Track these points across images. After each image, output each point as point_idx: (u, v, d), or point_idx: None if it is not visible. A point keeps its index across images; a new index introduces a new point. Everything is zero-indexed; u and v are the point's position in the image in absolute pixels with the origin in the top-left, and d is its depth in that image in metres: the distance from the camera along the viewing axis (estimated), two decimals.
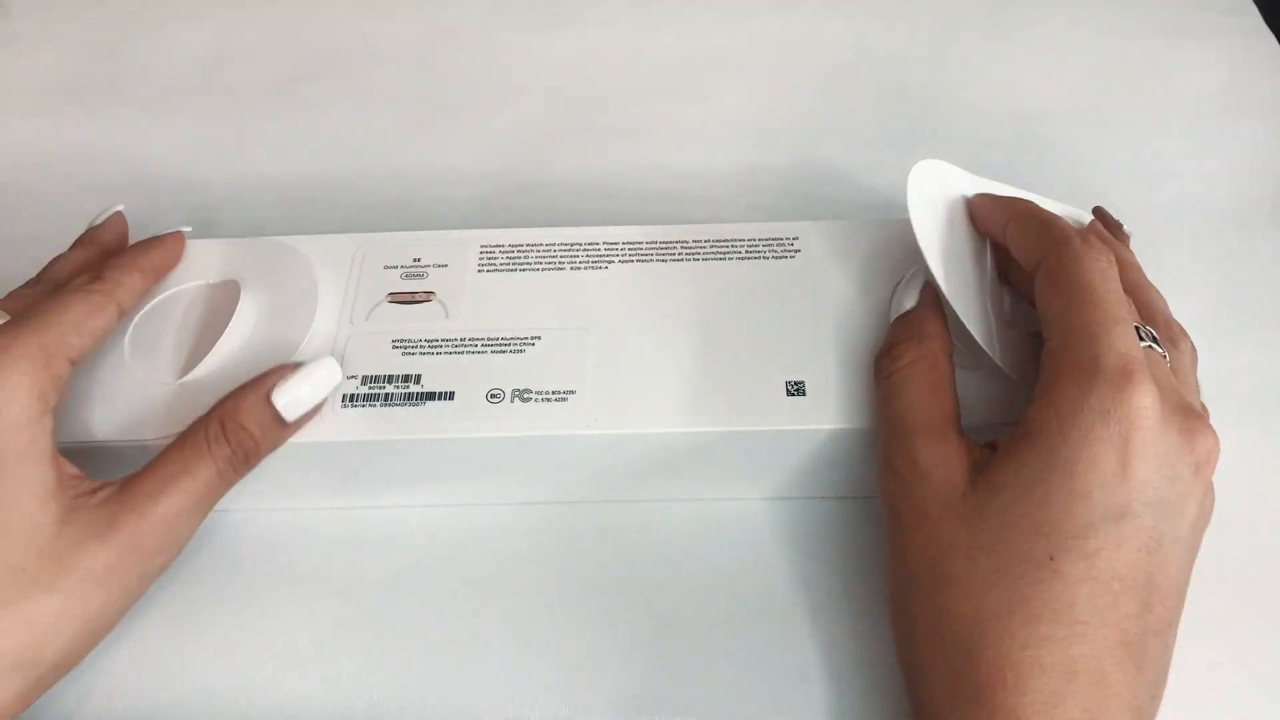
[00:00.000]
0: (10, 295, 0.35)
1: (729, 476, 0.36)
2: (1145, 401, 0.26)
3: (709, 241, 0.38)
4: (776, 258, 0.38)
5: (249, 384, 0.32)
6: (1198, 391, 0.31)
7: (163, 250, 0.37)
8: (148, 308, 0.37)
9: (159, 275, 0.37)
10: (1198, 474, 0.28)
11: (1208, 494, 0.29)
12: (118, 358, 0.35)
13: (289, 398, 0.32)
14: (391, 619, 0.34)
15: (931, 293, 0.33)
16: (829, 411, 0.33)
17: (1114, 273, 0.29)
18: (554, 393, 0.34)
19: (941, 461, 0.29)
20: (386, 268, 0.37)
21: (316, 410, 0.33)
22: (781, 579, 0.35)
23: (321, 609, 0.35)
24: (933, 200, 0.35)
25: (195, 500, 0.31)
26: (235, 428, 0.31)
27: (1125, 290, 0.30)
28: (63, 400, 0.31)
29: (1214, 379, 0.38)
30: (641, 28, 0.55)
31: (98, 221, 0.38)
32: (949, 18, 0.55)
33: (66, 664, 0.29)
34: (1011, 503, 0.27)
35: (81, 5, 0.57)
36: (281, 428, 0.32)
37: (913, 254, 0.34)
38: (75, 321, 0.31)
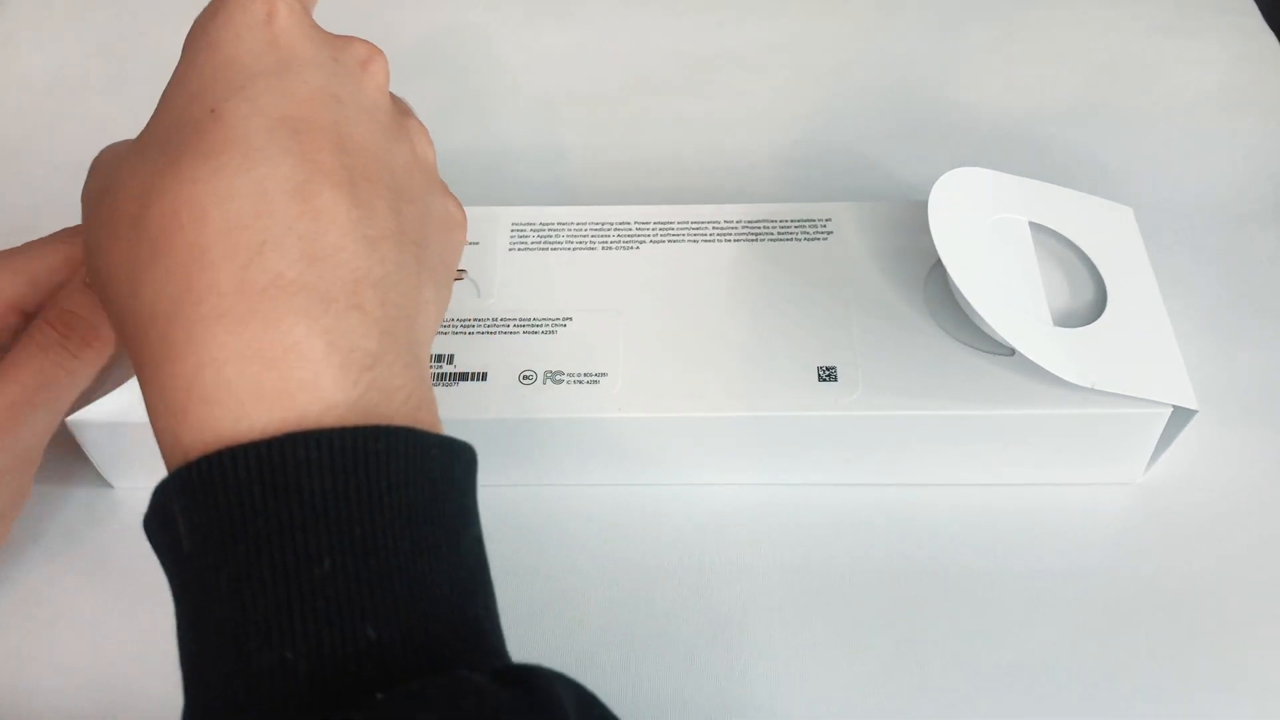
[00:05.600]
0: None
1: (759, 460, 0.35)
2: None
3: (741, 222, 0.38)
4: (809, 239, 0.37)
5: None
6: None
7: None
8: None
9: None
10: (365, 69, 0.27)
11: (394, 105, 0.29)
12: None
13: None
14: None
15: None
16: (861, 397, 0.33)
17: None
18: (585, 375, 0.34)
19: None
20: None
21: None
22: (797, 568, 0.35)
23: None
24: (957, 204, 0.35)
25: (33, 391, 0.30)
26: (61, 314, 0.31)
27: None
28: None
29: (1214, 378, 0.38)
30: (645, 25, 0.55)
31: None
32: (950, 16, 0.55)
33: None
34: (170, 95, 0.25)
35: (81, 4, 0.57)
36: None
37: None
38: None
